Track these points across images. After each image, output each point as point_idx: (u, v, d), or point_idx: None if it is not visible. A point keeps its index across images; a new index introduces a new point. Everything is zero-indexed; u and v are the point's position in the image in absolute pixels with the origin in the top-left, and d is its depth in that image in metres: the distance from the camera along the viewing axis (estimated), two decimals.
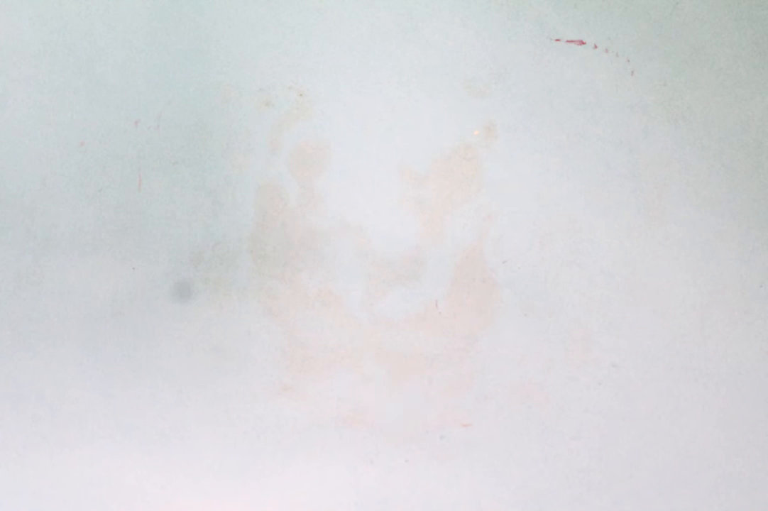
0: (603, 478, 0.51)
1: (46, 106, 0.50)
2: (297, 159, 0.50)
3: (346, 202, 0.50)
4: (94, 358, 0.51)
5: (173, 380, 0.51)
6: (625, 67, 0.49)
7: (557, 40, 0.49)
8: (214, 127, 0.50)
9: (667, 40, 0.49)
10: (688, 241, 0.50)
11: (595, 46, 0.49)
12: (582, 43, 0.49)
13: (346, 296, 0.50)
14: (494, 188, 0.50)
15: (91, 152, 0.50)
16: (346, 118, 0.49)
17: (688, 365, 0.50)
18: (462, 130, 0.49)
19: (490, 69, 0.49)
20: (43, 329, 0.50)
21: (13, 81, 0.50)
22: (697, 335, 0.50)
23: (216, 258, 0.50)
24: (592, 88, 0.49)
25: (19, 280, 0.50)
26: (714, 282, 0.50)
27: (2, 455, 0.51)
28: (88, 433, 0.51)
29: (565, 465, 0.51)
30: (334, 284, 0.50)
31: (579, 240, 0.50)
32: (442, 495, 0.51)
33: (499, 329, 0.50)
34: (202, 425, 0.51)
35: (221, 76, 0.50)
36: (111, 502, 0.51)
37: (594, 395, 0.50)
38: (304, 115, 0.50)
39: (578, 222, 0.50)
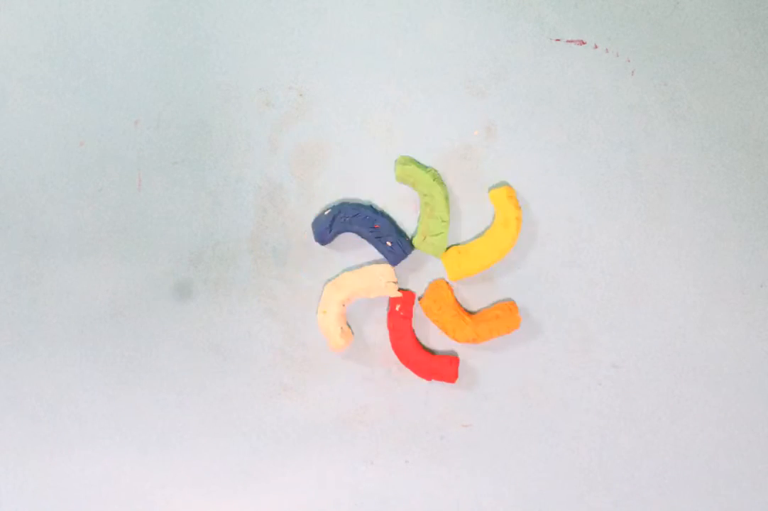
0: (603, 478, 0.51)
1: (45, 106, 0.50)
2: (297, 159, 0.50)
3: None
4: (94, 358, 0.51)
5: (173, 380, 0.51)
6: (625, 67, 0.49)
7: (557, 40, 0.49)
8: (214, 127, 0.50)
9: (668, 40, 0.49)
10: (688, 241, 0.50)
11: (596, 46, 0.49)
12: (582, 43, 0.49)
13: None
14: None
15: (91, 152, 0.50)
16: (346, 118, 0.49)
17: (688, 365, 0.50)
18: (462, 130, 0.49)
19: (490, 69, 0.49)
20: (42, 329, 0.50)
21: (13, 81, 0.50)
22: (697, 335, 0.50)
23: (216, 258, 0.50)
24: (592, 88, 0.49)
25: (19, 280, 0.50)
26: (714, 282, 0.50)
27: (2, 455, 0.51)
28: (88, 433, 0.51)
29: (566, 465, 0.51)
30: None
31: (579, 240, 0.50)
32: (442, 495, 0.51)
33: None
34: (202, 425, 0.51)
35: (221, 76, 0.50)
36: (111, 502, 0.51)
37: (594, 395, 0.51)
38: (304, 115, 0.50)
39: (578, 222, 0.50)
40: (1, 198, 0.50)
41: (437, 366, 0.49)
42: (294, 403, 0.51)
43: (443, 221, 0.48)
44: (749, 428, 0.50)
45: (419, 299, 0.50)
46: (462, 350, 0.50)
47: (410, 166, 0.48)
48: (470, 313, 0.50)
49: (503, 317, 0.48)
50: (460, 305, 0.49)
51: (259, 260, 0.50)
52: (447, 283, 0.49)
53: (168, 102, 0.50)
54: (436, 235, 0.48)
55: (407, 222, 0.50)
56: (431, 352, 0.50)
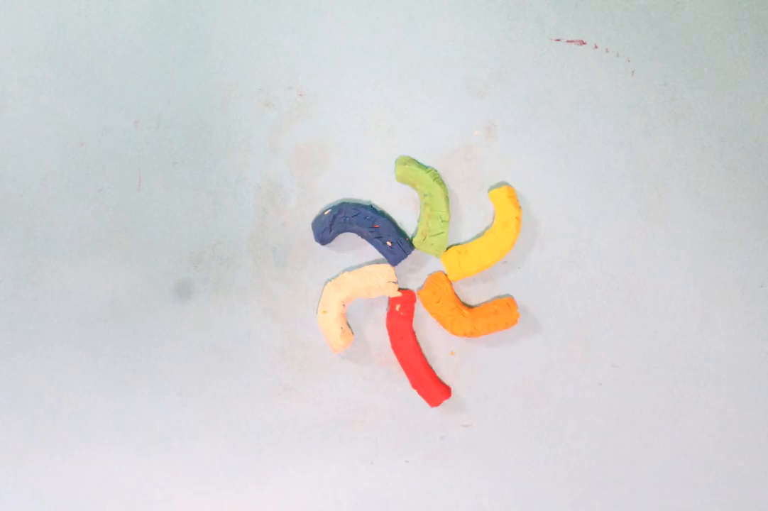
0: (603, 478, 0.51)
1: (45, 106, 0.50)
2: (297, 159, 0.50)
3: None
4: (94, 358, 0.51)
5: (173, 380, 0.51)
6: (625, 67, 0.49)
7: (557, 40, 0.49)
8: (214, 127, 0.50)
9: (668, 40, 0.49)
10: (688, 241, 0.50)
11: (596, 46, 0.49)
12: (582, 43, 0.49)
13: None
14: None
15: (91, 152, 0.50)
16: (346, 118, 0.49)
17: (688, 365, 0.50)
18: (462, 130, 0.49)
19: (490, 69, 0.49)
20: (42, 329, 0.50)
21: (13, 81, 0.50)
22: (697, 335, 0.50)
23: (216, 258, 0.50)
24: (592, 88, 0.49)
25: (19, 280, 0.50)
26: (714, 282, 0.50)
27: (2, 455, 0.51)
28: (88, 433, 0.51)
29: (566, 465, 0.51)
30: None
31: (579, 240, 0.50)
32: (442, 495, 0.51)
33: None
34: (202, 425, 0.51)
35: (221, 76, 0.50)
36: (111, 502, 0.51)
37: (594, 395, 0.51)
38: (304, 115, 0.50)
39: (578, 222, 0.50)
40: (1, 198, 0.50)
41: (429, 385, 0.48)
42: (294, 403, 0.51)
43: (443, 221, 0.48)
44: (749, 428, 0.50)
45: (418, 290, 0.50)
46: (462, 350, 0.50)
47: (410, 165, 0.48)
48: (468, 307, 0.50)
49: (501, 312, 0.48)
50: (458, 299, 0.49)
51: (259, 260, 0.50)
52: (446, 276, 0.49)
53: (168, 102, 0.50)
54: (437, 235, 0.48)
55: (407, 222, 0.50)
56: (429, 359, 0.50)
